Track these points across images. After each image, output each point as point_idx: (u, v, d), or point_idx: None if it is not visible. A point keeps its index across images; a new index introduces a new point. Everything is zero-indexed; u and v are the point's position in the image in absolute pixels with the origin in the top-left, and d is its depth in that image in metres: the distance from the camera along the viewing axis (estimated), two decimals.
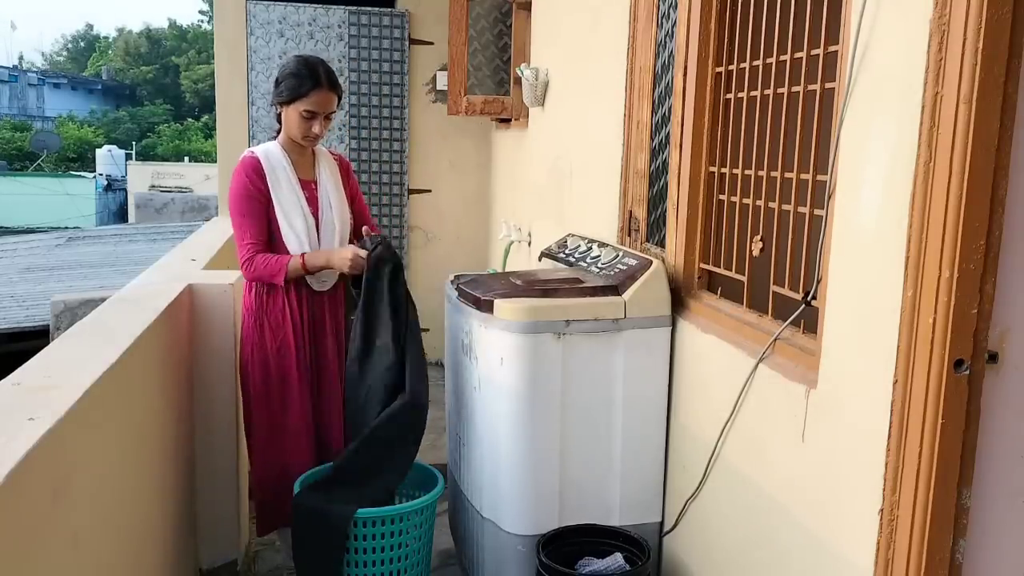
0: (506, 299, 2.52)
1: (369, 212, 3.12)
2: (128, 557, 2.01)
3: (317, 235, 2.79)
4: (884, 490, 1.61)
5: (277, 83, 2.75)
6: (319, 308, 2.82)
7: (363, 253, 2.66)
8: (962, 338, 1.47)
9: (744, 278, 2.27)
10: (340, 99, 2.81)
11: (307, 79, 2.70)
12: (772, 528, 2.05)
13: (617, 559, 2.44)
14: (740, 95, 2.31)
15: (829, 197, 1.81)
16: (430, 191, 5.78)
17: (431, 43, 5.60)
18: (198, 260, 3.56)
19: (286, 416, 2.78)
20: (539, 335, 2.47)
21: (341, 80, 5.42)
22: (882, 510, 1.61)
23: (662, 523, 2.69)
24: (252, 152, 2.79)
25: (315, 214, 2.81)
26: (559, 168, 3.84)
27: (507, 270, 4.28)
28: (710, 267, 2.51)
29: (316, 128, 2.74)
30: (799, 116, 1.99)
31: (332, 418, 2.84)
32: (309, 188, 2.81)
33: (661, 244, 2.83)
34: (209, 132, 29.27)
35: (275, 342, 2.76)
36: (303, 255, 2.71)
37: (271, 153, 2.79)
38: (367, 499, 2.55)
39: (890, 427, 1.59)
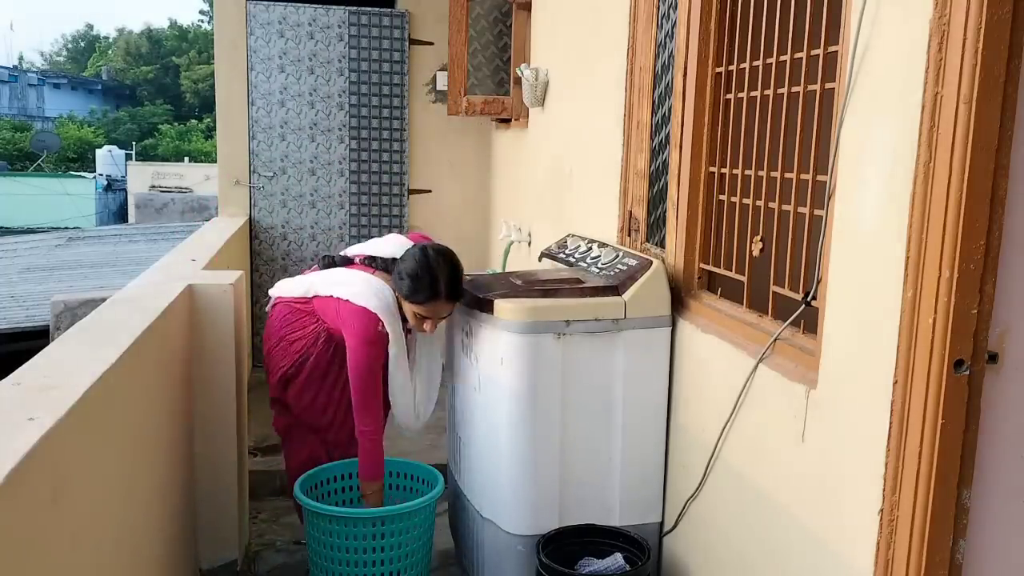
0: (506, 299, 2.52)
1: None
2: (128, 557, 2.01)
3: (413, 385, 2.86)
4: (884, 490, 1.61)
5: (400, 276, 2.61)
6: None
7: None
8: (962, 338, 1.47)
9: (744, 278, 2.27)
10: (460, 301, 2.66)
11: (426, 290, 2.58)
12: (772, 528, 2.05)
13: (617, 559, 2.44)
14: (740, 95, 2.31)
15: (829, 197, 1.81)
16: (430, 191, 5.78)
17: (431, 43, 5.60)
18: (198, 260, 3.55)
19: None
20: (539, 335, 2.47)
21: (341, 80, 5.49)
22: (882, 510, 1.61)
23: (662, 523, 2.69)
24: (380, 318, 2.64)
25: (410, 367, 2.84)
26: (559, 168, 3.84)
27: (507, 270, 4.27)
28: (710, 267, 2.51)
29: (427, 327, 2.67)
30: (799, 116, 1.99)
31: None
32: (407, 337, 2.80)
33: (661, 244, 2.83)
34: (209, 132, 29.26)
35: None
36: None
37: (390, 309, 2.67)
38: None
39: (890, 427, 1.59)
